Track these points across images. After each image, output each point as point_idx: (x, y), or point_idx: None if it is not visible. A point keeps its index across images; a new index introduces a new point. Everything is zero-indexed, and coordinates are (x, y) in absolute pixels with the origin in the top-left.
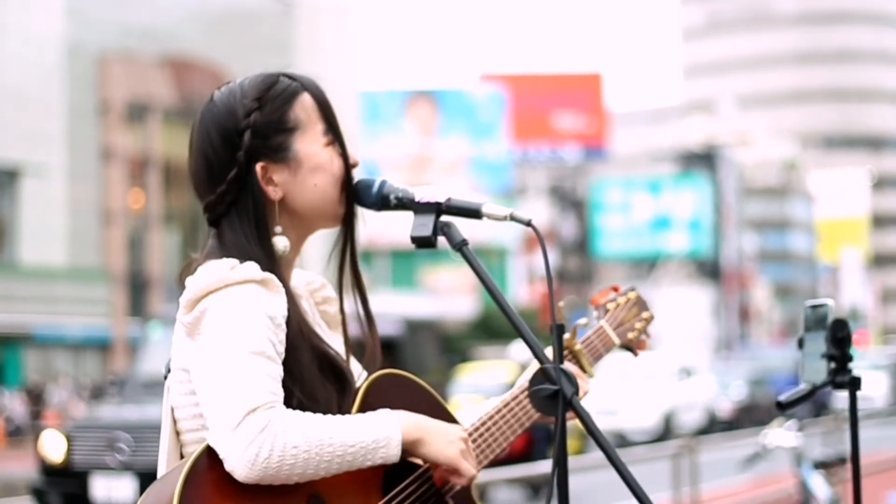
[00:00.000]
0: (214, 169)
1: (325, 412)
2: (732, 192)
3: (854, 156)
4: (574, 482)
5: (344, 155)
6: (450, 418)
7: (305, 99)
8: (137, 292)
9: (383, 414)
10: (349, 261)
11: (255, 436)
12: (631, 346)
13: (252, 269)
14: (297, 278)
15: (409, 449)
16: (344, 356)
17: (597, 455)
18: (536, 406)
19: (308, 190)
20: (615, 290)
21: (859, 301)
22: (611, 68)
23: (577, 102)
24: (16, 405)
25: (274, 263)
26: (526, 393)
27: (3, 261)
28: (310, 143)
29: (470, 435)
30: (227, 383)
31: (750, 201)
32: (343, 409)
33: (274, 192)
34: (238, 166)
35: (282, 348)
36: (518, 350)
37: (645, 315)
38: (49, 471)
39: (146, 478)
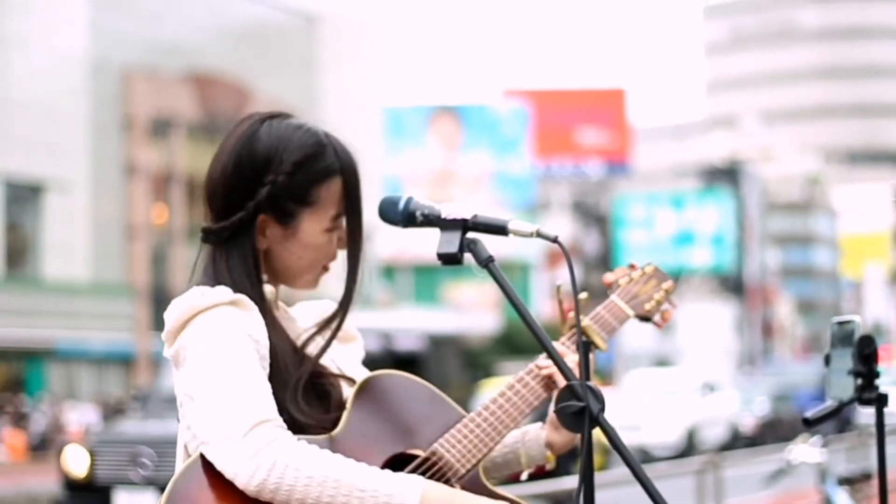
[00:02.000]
0: (224, 192)
1: (307, 422)
2: (755, 208)
3: (878, 171)
4: (598, 497)
5: (353, 236)
6: (453, 413)
7: (336, 183)
8: (160, 307)
9: (409, 476)
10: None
11: (262, 446)
12: (649, 317)
13: (222, 292)
14: (314, 308)
15: None
16: (351, 369)
17: (621, 471)
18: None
19: (288, 257)
20: (632, 267)
21: (883, 317)
22: (634, 84)
23: (600, 118)
24: (39, 419)
25: (262, 298)
26: (533, 374)
27: (27, 275)
28: (314, 222)
29: (472, 420)
30: (229, 396)
31: (773, 216)
32: (328, 418)
33: (262, 242)
34: (246, 211)
35: (266, 363)
36: None
37: (665, 285)
38: (72, 485)
39: None
